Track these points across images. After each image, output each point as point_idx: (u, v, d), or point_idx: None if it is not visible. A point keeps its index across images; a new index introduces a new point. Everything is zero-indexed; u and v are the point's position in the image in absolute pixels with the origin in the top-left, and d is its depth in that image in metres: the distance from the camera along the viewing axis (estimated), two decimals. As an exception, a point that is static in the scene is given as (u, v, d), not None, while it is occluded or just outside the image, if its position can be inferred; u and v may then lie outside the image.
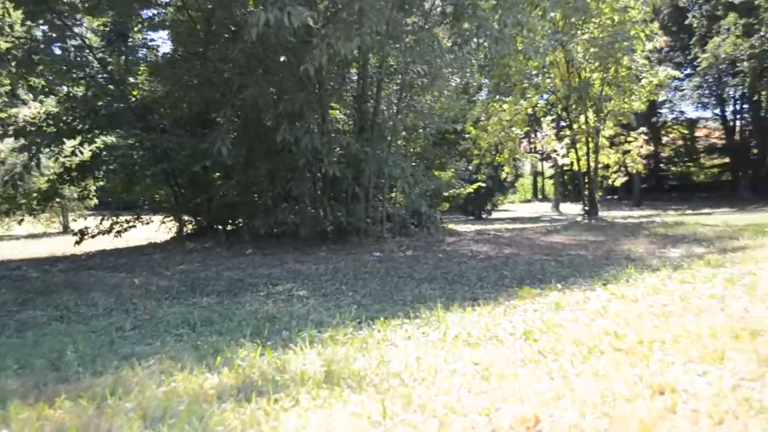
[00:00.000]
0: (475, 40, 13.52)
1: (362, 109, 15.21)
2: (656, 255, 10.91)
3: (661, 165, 51.70)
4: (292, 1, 9.58)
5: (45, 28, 16.21)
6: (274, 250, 13.21)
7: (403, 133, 17.11)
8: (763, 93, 41.65)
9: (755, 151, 44.49)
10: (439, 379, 4.17)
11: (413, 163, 16.86)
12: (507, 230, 19.19)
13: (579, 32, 20.73)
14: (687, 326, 5.16)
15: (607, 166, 24.59)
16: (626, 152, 24.38)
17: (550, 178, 54.11)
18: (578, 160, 23.13)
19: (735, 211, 27.42)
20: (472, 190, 26.59)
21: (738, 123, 47.32)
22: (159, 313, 7.05)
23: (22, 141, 16.32)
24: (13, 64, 15.95)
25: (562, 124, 28.97)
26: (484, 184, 28.65)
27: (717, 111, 47.75)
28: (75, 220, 30.25)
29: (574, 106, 22.33)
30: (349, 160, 14.30)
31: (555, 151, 25.68)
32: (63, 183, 17.73)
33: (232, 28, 14.60)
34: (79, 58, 16.29)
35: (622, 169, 25.70)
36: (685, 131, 50.87)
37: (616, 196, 44.28)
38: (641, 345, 4.69)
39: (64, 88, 17.31)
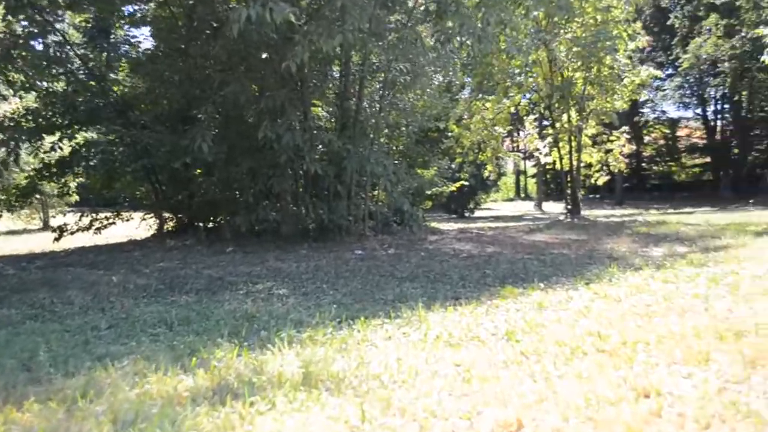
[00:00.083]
0: (458, 38, 13.44)
1: (344, 106, 15.13)
2: (639, 254, 10.90)
3: (643, 164, 51.97)
4: (273, -3, 9.48)
5: (26, 23, 15.99)
6: (255, 247, 13.09)
7: (386, 131, 17.05)
8: (744, 93, 42.01)
9: (736, 150, 44.80)
10: (419, 381, 4.09)
11: (396, 161, 16.76)
12: (489, 229, 19.15)
13: (562, 31, 20.71)
14: (671, 327, 5.12)
15: (589, 165, 24.61)
16: (608, 151, 24.39)
17: (533, 176, 54.12)
18: (561, 158, 23.12)
19: (716, 210, 27.55)
20: (454, 189, 26.55)
21: (719, 123, 47.61)
22: (136, 312, 6.93)
23: (0, 136, 16.10)
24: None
25: (545, 122, 28.98)
26: (466, 183, 28.63)
27: (698, 111, 48.04)
28: (54, 217, 29.96)
29: (556, 105, 22.30)
30: (331, 157, 14.22)
31: (538, 149, 25.68)
32: (42, 179, 17.50)
33: (214, 25, 14.45)
34: (59, 54, 16.08)
35: (605, 168, 25.69)
36: (667, 131, 51.10)
37: (598, 195, 44.38)
38: (625, 346, 4.64)
39: (45, 83, 17.10)
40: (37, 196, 22.31)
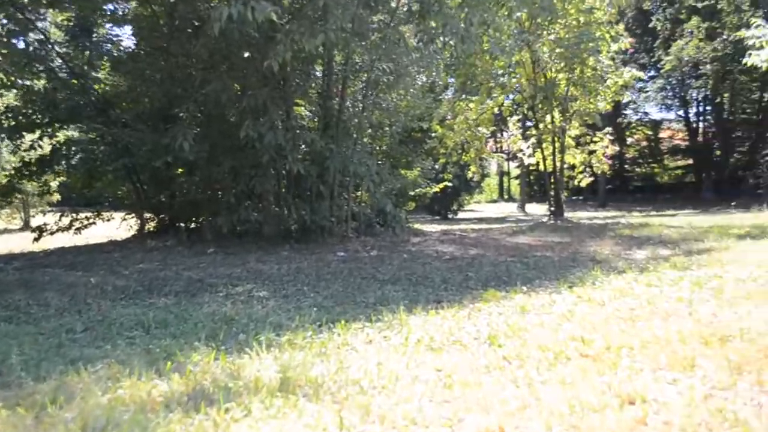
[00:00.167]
0: (441, 38, 13.42)
1: (327, 105, 15.03)
2: (622, 257, 10.89)
3: (626, 166, 52.07)
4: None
5: (5, 21, 15.78)
6: (236, 249, 12.99)
7: (369, 131, 16.98)
8: (726, 95, 42.23)
9: (718, 153, 44.97)
10: (399, 386, 4.02)
11: (379, 162, 16.70)
12: (473, 230, 19.11)
13: (545, 32, 20.73)
14: (655, 331, 5.06)
15: (573, 167, 24.63)
16: (592, 152, 24.42)
17: (516, 178, 54.13)
18: (544, 160, 23.11)
19: (698, 212, 27.63)
20: (438, 190, 26.51)
21: (701, 125, 47.73)
22: (113, 314, 6.82)
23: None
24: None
25: (528, 123, 28.97)
26: (450, 184, 28.56)
27: (680, 113, 48.15)
28: (33, 216, 29.67)
29: (540, 106, 22.31)
30: (314, 157, 14.15)
31: (521, 150, 25.65)
32: (22, 178, 17.30)
33: (196, 23, 14.37)
34: (41, 52, 15.88)
35: (588, 169, 25.74)
36: (649, 132, 51.22)
37: (581, 197, 44.45)
38: (609, 351, 4.58)
39: (26, 81, 16.89)
40: (18, 195, 22.07)
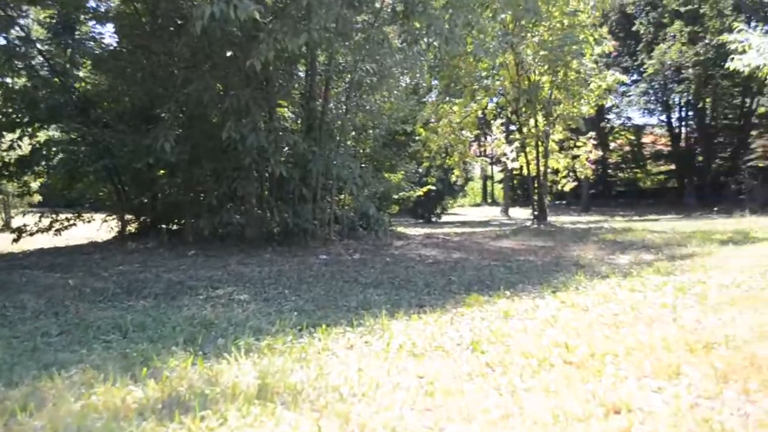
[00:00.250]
0: (425, 39, 13.38)
1: (310, 107, 14.92)
2: (605, 261, 10.88)
3: (609, 171, 52.18)
4: (238, -7, 9.29)
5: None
6: (218, 251, 12.86)
7: (352, 133, 16.88)
8: (708, 100, 42.42)
9: (700, 158, 45.16)
10: (380, 394, 3.93)
11: (362, 165, 16.62)
12: (456, 234, 19.05)
13: (529, 35, 20.71)
14: (639, 337, 5.01)
15: (556, 171, 24.65)
16: (575, 157, 24.45)
17: (500, 182, 54.24)
18: (528, 164, 23.10)
19: (681, 217, 27.73)
20: (421, 193, 26.49)
21: (683, 130, 47.94)
22: (90, 317, 6.70)
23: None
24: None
25: (512, 127, 29.01)
26: (433, 187, 28.55)
27: (663, 117, 48.39)
28: (14, 217, 29.37)
29: (523, 109, 22.32)
30: (297, 159, 14.03)
31: (505, 154, 25.62)
32: (1, 179, 17.09)
33: (178, 21, 14.22)
34: (22, 50, 15.68)
35: (571, 174, 25.79)
36: (632, 137, 51.38)
37: (564, 201, 44.55)
38: (593, 358, 4.52)
39: (6, 79, 16.68)
40: (-1, 195, 21.85)
